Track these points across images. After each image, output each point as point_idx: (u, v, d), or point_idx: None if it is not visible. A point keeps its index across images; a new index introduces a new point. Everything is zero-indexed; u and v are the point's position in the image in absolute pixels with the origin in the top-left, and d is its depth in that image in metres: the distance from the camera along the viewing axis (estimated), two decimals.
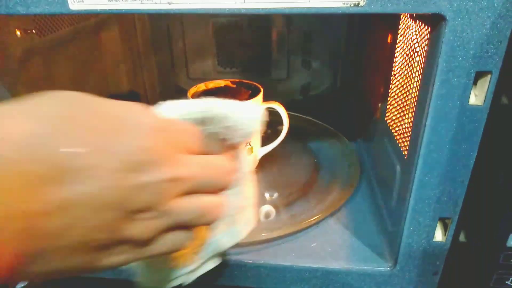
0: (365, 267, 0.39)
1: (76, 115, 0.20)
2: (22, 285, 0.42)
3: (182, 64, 0.73)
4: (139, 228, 0.20)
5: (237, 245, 0.41)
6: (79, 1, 0.28)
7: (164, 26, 0.70)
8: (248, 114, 0.25)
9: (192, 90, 0.52)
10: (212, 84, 0.53)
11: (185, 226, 0.23)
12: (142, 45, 0.70)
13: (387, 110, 0.45)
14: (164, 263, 0.27)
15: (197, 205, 0.22)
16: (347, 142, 0.60)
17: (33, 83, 0.44)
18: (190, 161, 0.22)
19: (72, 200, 0.18)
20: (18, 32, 0.41)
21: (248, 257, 0.40)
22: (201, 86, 0.53)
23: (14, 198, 0.16)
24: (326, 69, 0.71)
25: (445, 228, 0.36)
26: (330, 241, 0.42)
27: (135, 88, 0.71)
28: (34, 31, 0.43)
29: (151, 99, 0.75)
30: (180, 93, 0.75)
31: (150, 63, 0.72)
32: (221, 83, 0.54)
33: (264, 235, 0.42)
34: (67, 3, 0.28)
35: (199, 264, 0.29)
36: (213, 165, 0.24)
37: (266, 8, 0.27)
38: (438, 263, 0.37)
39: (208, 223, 0.24)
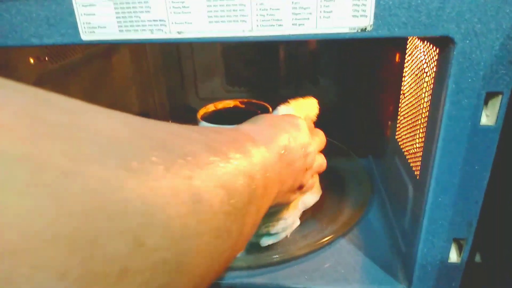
0: None
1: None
2: None
3: (191, 84, 0.73)
4: (308, 176, 0.37)
5: (249, 267, 0.41)
6: (90, 32, 0.29)
7: (173, 48, 0.71)
8: None
9: (202, 111, 0.52)
10: (221, 105, 0.54)
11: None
12: (152, 67, 0.71)
13: (398, 129, 0.45)
14: (274, 215, 0.41)
15: (321, 162, 0.41)
16: (357, 159, 0.60)
17: None
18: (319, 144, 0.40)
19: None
20: (31, 60, 0.42)
21: (260, 280, 0.40)
22: (210, 107, 0.53)
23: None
24: (334, 86, 0.71)
25: (460, 248, 0.35)
26: (343, 263, 0.42)
27: (145, 108, 0.72)
28: (47, 58, 0.44)
29: (161, 119, 0.76)
30: (189, 112, 0.76)
31: (160, 83, 0.73)
32: (230, 103, 0.54)
33: (276, 257, 0.42)
34: (79, 34, 0.29)
35: (290, 223, 0.43)
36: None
37: (273, 35, 0.28)
38: (453, 284, 0.37)
39: (322, 171, 0.42)
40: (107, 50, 0.59)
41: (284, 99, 0.73)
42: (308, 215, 0.49)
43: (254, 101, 0.54)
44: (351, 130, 0.72)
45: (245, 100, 0.54)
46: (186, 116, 0.76)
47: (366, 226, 0.48)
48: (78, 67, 0.52)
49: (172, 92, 0.75)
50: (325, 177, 0.57)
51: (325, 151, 0.64)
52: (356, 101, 0.71)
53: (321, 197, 0.53)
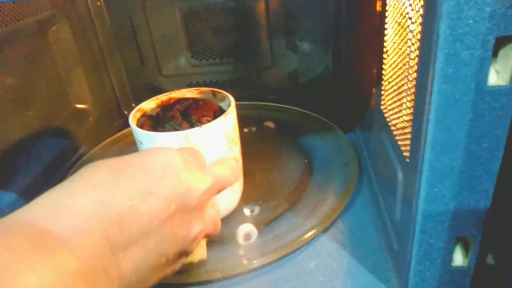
0: None
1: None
2: None
3: (152, 60, 0.64)
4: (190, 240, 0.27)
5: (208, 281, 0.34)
6: None
7: (126, 18, 0.61)
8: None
9: (138, 112, 0.39)
10: (165, 97, 0.41)
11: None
12: (104, 43, 0.62)
13: (382, 98, 0.36)
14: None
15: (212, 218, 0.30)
16: (342, 135, 0.51)
17: None
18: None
19: None
20: None
21: None
22: (150, 104, 0.41)
23: None
24: (315, 52, 0.62)
25: (467, 249, 0.27)
26: (323, 267, 0.34)
27: (101, 92, 0.63)
28: None
29: (122, 102, 0.67)
30: (154, 93, 0.67)
31: (116, 62, 0.64)
32: (185, 94, 0.42)
33: (240, 267, 0.34)
34: None
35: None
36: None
37: None
38: None
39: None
40: (39, 27, 0.50)
41: (261, 72, 0.64)
42: (284, 208, 0.41)
43: (217, 91, 0.41)
44: (336, 102, 0.63)
45: (208, 89, 0.42)
46: (151, 97, 0.67)
47: (352, 217, 0.39)
48: (1, 49, 0.44)
49: (131, 71, 0.66)
50: (305, 159, 0.49)
51: (307, 128, 0.56)
52: (341, 69, 0.62)
53: (302, 183, 0.45)
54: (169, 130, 0.35)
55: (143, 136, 0.34)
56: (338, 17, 0.57)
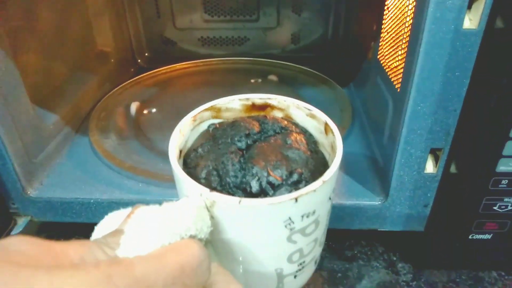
0: (357, 202, 0.40)
1: None
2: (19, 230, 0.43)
3: (168, 13, 0.70)
4: None
5: None
6: None
7: None
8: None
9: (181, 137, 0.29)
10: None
11: None
12: None
13: (380, 48, 0.44)
14: None
15: None
16: (339, 88, 0.60)
17: (15, 34, 0.42)
18: None
19: None
20: None
21: None
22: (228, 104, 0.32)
23: None
24: (318, 15, 0.69)
25: (436, 159, 0.36)
26: None
27: (121, 39, 0.69)
28: None
29: (137, 52, 0.73)
30: (166, 44, 0.73)
31: (135, 13, 0.70)
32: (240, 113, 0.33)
33: None
34: None
35: None
36: None
37: None
38: (429, 195, 0.38)
39: None
40: None
41: (266, 31, 0.71)
42: None
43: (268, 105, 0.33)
44: (334, 61, 0.71)
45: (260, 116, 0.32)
46: (163, 48, 0.73)
47: (346, 148, 0.48)
48: None
49: (147, 23, 0.71)
50: None
51: (307, 82, 0.64)
52: (338, 30, 0.70)
53: None
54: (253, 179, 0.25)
55: (176, 174, 0.25)
56: None
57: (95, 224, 0.22)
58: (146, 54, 0.74)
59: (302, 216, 0.23)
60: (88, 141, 0.50)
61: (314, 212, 0.24)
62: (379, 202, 0.39)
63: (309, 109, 0.31)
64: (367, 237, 0.45)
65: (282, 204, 0.22)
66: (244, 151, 0.27)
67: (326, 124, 0.30)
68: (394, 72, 0.38)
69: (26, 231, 0.43)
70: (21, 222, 0.43)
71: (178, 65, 0.69)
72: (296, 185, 0.25)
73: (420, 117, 0.34)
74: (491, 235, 0.37)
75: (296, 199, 0.22)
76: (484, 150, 0.33)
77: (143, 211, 0.21)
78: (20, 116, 0.41)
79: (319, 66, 0.66)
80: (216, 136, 0.29)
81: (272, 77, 0.66)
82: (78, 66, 0.56)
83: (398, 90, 0.36)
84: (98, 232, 0.21)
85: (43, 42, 0.48)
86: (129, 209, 0.21)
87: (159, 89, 0.63)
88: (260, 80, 0.65)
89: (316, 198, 0.23)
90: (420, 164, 0.36)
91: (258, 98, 0.33)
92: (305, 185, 0.23)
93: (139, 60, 0.74)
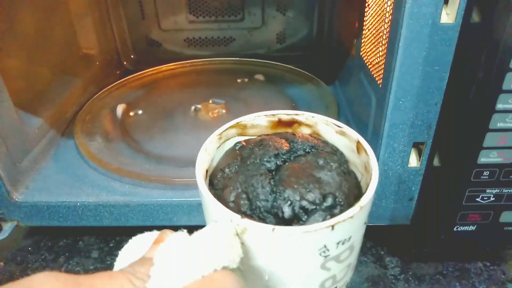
0: None
1: None
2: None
3: (153, 14, 0.70)
4: None
5: None
6: None
7: None
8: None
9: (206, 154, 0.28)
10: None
11: None
12: None
13: (362, 45, 0.45)
14: None
15: None
16: (324, 85, 0.60)
17: None
18: None
19: None
20: None
21: None
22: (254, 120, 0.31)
23: None
24: (302, 15, 0.70)
25: (420, 153, 0.37)
26: None
27: (105, 41, 0.68)
28: None
29: (122, 54, 0.73)
30: (152, 46, 0.73)
31: (119, 14, 0.69)
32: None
33: None
34: None
35: None
36: None
37: None
38: (413, 188, 0.39)
39: None
40: None
41: (251, 31, 0.71)
42: None
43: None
44: (318, 60, 0.71)
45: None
46: (149, 50, 0.73)
47: None
48: None
49: (132, 24, 0.71)
50: (293, 103, 0.58)
51: (293, 80, 0.64)
52: (323, 30, 0.70)
53: None
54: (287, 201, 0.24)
55: (205, 197, 0.24)
56: None
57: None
58: (132, 56, 0.74)
59: (338, 243, 0.22)
60: (74, 144, 0.50)
61: (349, 239, 0.23)
62: None
63: (339, 126, 0.30)
64: None
65: (318, 232, 0.21)
66: (274, 173, 0.26)
67: (358, 143, 0.28)
68: (376, 68, 0.39)
69: (13, 236, 0.43)
70: (7, 227, 0.42)
71: (164, 67, 0.69)
72: (330, 210, 0.24)
73: (402, 111, 0.34)
74: (475, 227, 0.38)
75: (332, 227, 0.21)
76: (465, 142, 0.33)
77: (172, 240, 0.20)
78: (3, 120, 0.40)
79: (304, 65, 0.67)
80: (243, 156, 0.27)
81: (259, 77, 0.66)
82: (62, 69, 0.56)
83: (380, 85, 0.37)
84: (123, 257, 0.21)
85: (25, 45, 0.48)
86: (154, 233, 0.21)
87: (145, 91, 0.63)
88: (246, 80, 0.65)
89: (352, 224, 0.22)
90: (403, 158, 0.37)
91: (284, 114, 0.31)
92: (340, 210, 0.23)
93: (124, 62, 0.73)
